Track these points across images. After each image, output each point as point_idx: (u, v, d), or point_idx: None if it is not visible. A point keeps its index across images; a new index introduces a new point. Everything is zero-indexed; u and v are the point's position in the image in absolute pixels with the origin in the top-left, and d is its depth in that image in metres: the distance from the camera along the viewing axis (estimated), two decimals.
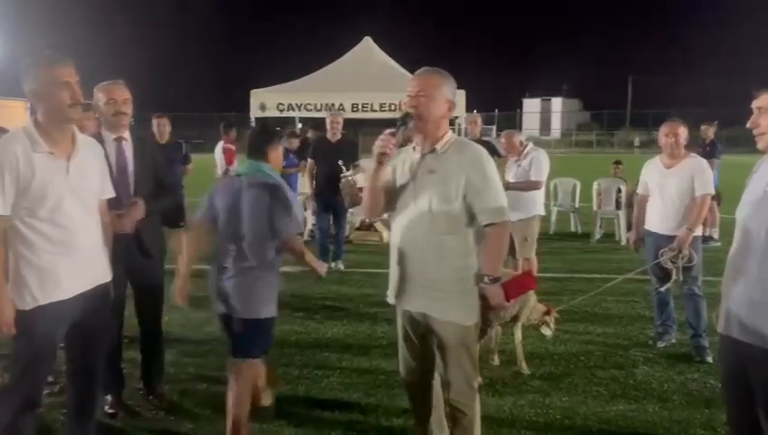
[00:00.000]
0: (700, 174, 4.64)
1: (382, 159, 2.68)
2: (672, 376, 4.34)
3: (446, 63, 3.11)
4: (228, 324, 3.26)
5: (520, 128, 63.96)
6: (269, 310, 3.21)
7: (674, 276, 4.70)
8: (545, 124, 68.88)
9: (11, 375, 2.66)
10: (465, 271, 2.76)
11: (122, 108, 3.56)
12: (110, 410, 3.67)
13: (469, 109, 9.41)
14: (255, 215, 3.16)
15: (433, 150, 2.74)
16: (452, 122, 9.87)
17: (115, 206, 3.32)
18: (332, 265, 7.30)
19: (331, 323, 5.48)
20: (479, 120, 8.20)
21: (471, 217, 2.72)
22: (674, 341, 4.93)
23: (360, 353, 4.71)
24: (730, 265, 2.43)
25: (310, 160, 7.67)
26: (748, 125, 2.41)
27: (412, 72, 9.58)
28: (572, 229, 10.64)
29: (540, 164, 6.36)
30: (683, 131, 4.74)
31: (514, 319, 4.38)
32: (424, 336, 2.86)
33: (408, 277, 2.79)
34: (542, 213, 6.59)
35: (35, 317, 2.56)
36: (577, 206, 10.84)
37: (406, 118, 2.71)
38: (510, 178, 6.54)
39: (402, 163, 2.83)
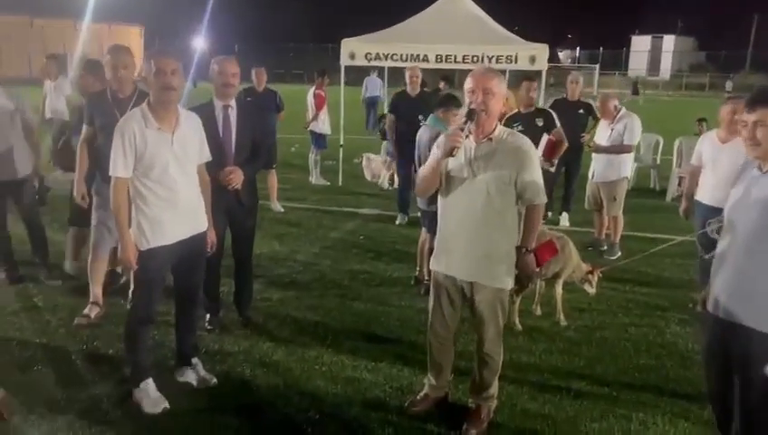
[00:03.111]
0: None
1: (454, 152, 3.11)
2: (699, 338, 4.69)
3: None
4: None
5: (626, 67, 60.83)
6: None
7: (718, 247, 4.95)
8: (654, 64, 64.83)
9: (133, 299, 3.51)
10: (511, 243, 3.27)
11: (231, 80, 4.23)
12: (209, 327, 4.55)
13: (551, 60, 9.39)
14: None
15: (489, 139, 3.17)
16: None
17: (220, 163, 4.12)
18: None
19: (397, 266, 6.14)
20: (581, 81, 7.92)
21: (518, 198, 3.21)
22: None
23: (418, 295, 5.35)
24: (719, 254, 2.83)
25: (390, 115, 7.81)
26: (746, 138, 2.67)
27: (503, 22, 9.55)
28: (651, 186, 10.67)
29: (633, 129, 6.70)
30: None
31: (556, 276, 4.86)
32: (462, 299, 3.39)
33: (462, 249, 3.27)
34: (629, 176, 6.90)
35: (148, 256, 3.37)
36: (658, 162, 10.81)
37: (472, 114, 3.12)
38: (603, 141, 6.86)
39: (462, 146, 3.17)
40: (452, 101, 5.35)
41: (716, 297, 2.79)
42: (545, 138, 6.20)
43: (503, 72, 10.27)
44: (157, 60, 3.23)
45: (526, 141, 3.23)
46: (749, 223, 2.64)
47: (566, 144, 6.50)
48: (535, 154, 3.24)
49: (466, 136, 3.19)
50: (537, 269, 3.46)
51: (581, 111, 7.76)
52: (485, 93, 3.09)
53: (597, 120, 7.79)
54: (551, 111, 6.75)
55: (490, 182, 3.14)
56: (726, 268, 2.75)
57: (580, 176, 8.05)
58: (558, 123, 6.51)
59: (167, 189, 3.35)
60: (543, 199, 3.24)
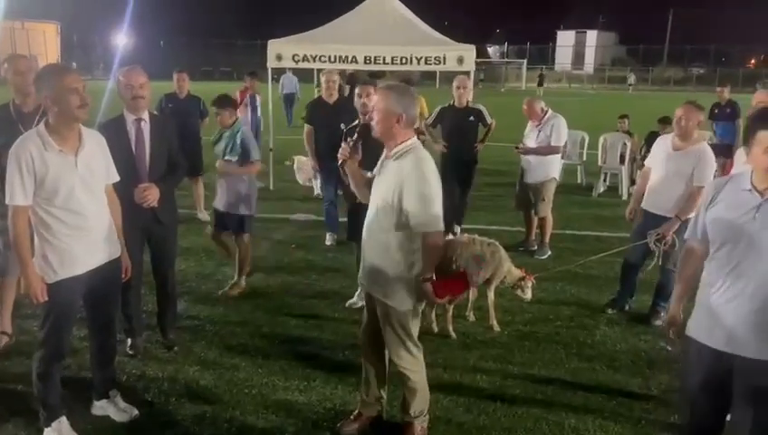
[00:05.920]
0: (702, 165, 4.62)
1: (343, 166, 3.18)
2: (627, 337, 4.81)
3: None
4: (221, 217, 5.63)
5: (552, 61, 62.65)
6: (246, 209, 5.64)
7: (654, 259, 4.88)
8: (579, 58, 67.06)
9: (41, 334, 3.23)
10: (403, 265, 3.11)
11: (139, 92, 3.98)
12: (131, 351, 4.31)
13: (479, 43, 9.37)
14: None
15: (389, 157, 3.14)
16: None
17: (134, 180, 3.88)
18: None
19: (331, 276, 6.02)
20: (469, 85, 7.30)
21: (404, 225, 3.05)
22: (627, 308, 5.33)
23: (352, 309, 5.26)
24: (715, 280, 2.64)
25: (307, 126, 7.07)
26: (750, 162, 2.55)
27: (431, 23, 9.35)
28: (579, 181, 10.93)
29: (559, 130, 6.76)
30: (695, 116, 4.67)
31: (487, 282, 4.86)
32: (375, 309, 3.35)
33: (364, 263, 3.30)
34: (557, 176, 6.97)
35: (57, 289, 3.12)
36: (584, 158, 11.09)
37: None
38: (531, 142, 6.89)
39: (379, 162, 3.24)
40: None
41: (717, 329, 2.62)
42: None
43: (432, 73, 10.37)
44: (67, 77, 3.00)
45: (419, 162, 3.02)
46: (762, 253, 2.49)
47: None
48: (422, 178, 2.99)
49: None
50: (439, 301, 3.35)
51: (471, 118, 7.16)
52: (372, 110, 3.15)
53: (488, 127, 7.29)
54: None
55: (379, 202, 3.14)
56: (734, 300, 2.56)
57: (473, 187, 7.56)
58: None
59: (75, 216, 3.10)
60: (431, 229, 3.01)
